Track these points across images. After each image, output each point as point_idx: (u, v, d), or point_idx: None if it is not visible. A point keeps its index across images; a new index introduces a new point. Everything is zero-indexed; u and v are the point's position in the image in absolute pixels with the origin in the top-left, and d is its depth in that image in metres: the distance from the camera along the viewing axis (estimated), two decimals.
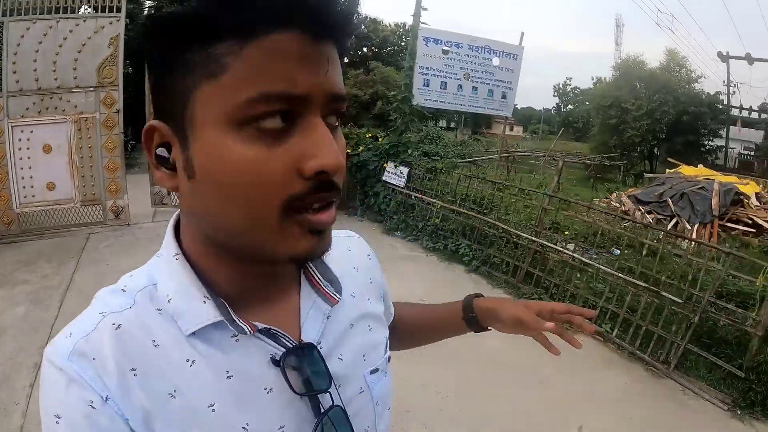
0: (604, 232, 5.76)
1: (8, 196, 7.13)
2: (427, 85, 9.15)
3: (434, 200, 7.37)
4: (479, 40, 9.59)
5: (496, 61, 9.78)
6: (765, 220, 9.43)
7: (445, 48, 9.25)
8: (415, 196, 7.75)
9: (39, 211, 7.35)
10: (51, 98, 7.21)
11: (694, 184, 10.25)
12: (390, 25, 36.12)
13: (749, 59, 28.55)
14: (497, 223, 6.31)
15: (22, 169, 7.17)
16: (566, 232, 6.93)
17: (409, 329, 1.00)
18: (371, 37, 43.65)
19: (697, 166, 13.94)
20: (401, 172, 8.02)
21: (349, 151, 8.89)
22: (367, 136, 9.20)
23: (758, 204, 10.22)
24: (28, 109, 7.10)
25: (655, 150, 23.96)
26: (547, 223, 6.57)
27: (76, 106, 7.31)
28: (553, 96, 76.77)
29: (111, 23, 7.32)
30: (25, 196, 7.23)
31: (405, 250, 7.02)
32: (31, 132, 7.14)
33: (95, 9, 7.28)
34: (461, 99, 9.51)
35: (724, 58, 28.68)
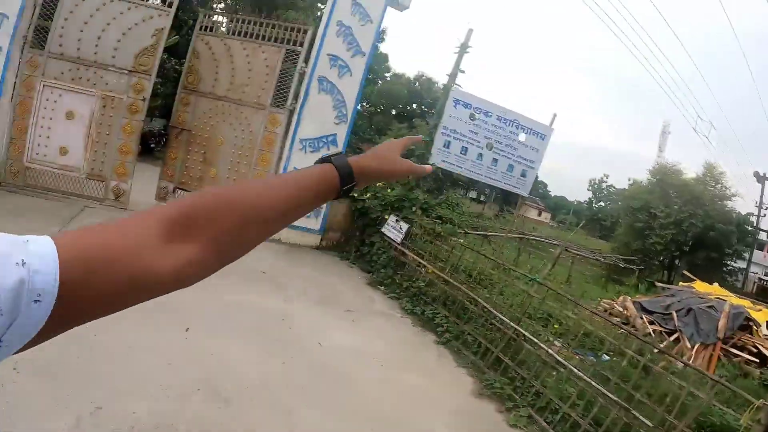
0: (588, 333, 5.39)
1: (23, 148, 7.51)
2: (448, 147, 9.00)
3: (426, 263, 7.10)
4: (509, 113, 9.43)
5: (522, 137, 9.59)
6: None
7: (474, 113, 9.12)
8: (411, 256, 7.48)
9: (46, 171, 7.64)
10: (87, 69, 7.59)
11: (704, 302, 9.77)
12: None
13: None
14: (478, 299, 5.98)
15: (42, 127, 7.57)
16: (556, 326, 6.54)
17: (252, 218, 0.64)
18: (422, 95, 44.62)
19: (712, 284, 13.41)
20: (401, 228, 7.80)
21: (355, 195, 8.79)
22: (377, 184, 9.07)
23: (767, 333, 9.70)
24: (63, 73, 7.53)
25: (676, 261, 23.40)
26: (535, 312, 6.20)
27: (107, 84, 7.69)
28: (588, 190, 76.53)
29: (159, 15, 7.76)
30: (37, 153, 7.58)
31: (383, 306, 6.70)
32: (60, 95, 7.56)
33: None
34: (479, 168, 9.29)
35: (761, 178, 28.08)
